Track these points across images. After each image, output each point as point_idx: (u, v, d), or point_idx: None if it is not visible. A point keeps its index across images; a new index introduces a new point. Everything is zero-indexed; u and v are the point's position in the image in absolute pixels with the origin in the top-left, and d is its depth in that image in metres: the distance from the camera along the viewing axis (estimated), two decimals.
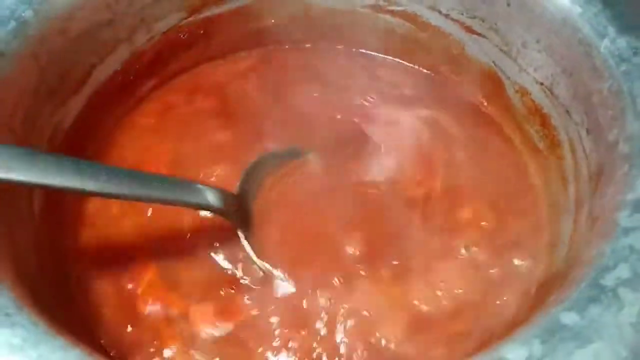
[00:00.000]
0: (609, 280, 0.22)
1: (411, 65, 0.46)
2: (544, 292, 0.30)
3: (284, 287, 0.34)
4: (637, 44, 0.30)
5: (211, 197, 0.33)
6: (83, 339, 0.24)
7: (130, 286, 0.34)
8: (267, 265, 0.34)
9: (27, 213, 0.34)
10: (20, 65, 0.33)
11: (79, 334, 0.25)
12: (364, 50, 0.47)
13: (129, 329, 0.33)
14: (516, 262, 0.35)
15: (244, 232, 0.35)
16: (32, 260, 0.32)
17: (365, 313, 0.33)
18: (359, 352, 0.32)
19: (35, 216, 0.34)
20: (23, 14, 0.33)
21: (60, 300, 0.32)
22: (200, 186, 0.33)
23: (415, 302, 0.33)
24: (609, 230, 0.24)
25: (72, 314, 0.32)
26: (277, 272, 0.34)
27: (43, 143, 0.35)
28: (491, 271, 0.35)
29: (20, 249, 0.31)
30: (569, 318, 0.21)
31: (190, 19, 0.42)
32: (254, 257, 0.34)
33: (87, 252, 0.36)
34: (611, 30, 0.31)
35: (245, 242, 0.34)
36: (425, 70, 0.46)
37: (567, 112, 0.35)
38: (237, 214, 0.35)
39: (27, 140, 0.33)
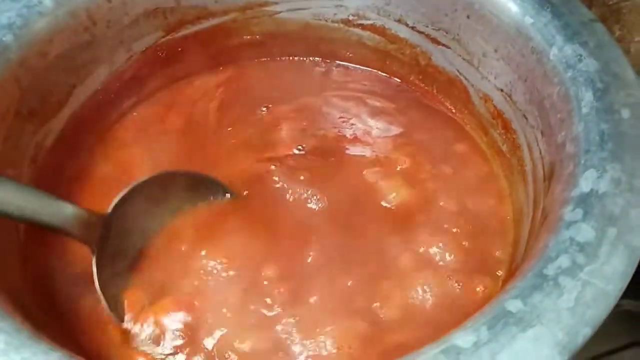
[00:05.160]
0: (550, 270, 0.24)
1: (384, 74, 0.48)
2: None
3: None
4: (581, 51, 0.32)
5: (64, 217, 0.30)
6: (67, 348, 0.26)
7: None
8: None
9: (12, 229, 0.35)
10: (2, 87, 0.34)
11: (64, 344, 0.26)
12: (338, 62, 0.48)
13: (112, 340, 0.33)
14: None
15: (98, 263, 0.32)
16: (17, 274, 0.33)
17: None
18: None
19: (20, 232, 0.35)
20: (3, 39, 0.35)
21: (45, 314, 0.33)
22: (55, 201, 0.30)
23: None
24: (555, 224, 0.26)
25: (57, 327, 0.33)
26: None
27: (25, 162, 0.36)
28: (459, 270, 0.36)
29: (6, 263, 0.32)
30: (514, 305, 0.23)
31: (168, 37, 0.44)
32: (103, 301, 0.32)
33: (72, 266, 0.36)
34: (559, 39, 0.33)
35: (95, 277, 0.32)
36: (397, 80, 0.48)
37: (524, 116, 0.37)
38: (100, 242, 0.32)
39: (9, 159, 0.34)
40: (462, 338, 0.22)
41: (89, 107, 0.41)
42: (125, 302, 0.33)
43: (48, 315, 0.32)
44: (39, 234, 0.36)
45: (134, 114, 0.45)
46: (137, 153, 0.42)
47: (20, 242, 0.35)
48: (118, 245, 0.33)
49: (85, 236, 0.31)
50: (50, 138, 0.39)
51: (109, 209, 0.33)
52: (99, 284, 0.32)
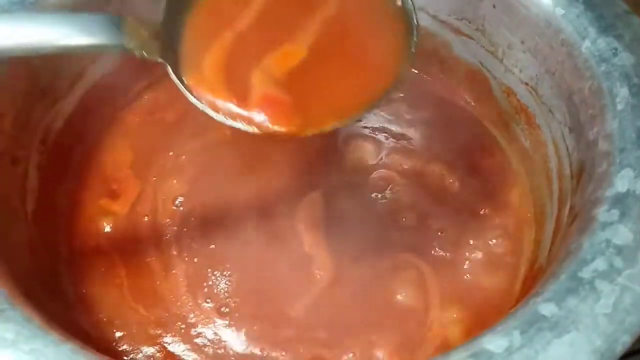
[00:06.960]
0: (586, 273, 0.23)
1: None
2: (527, 287, 0.31)
3: None
4: (616, 44, 0.31)
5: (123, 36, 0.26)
6: (76, 336, 0.25)
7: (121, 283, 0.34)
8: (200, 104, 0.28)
9: (20, 213, 0.34)
10: (12, 67, 0.33)
11: (72, 332, 0.25)
12: None
13: (121, 328, 0.33)
14: (503, 259, 0.36)
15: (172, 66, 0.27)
16: (26, 259, 0.32)
17: None
18: None
19: (29, 216, 0.35)
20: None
21: (53, 300, 0.32)
22: (96, 16, 0.26)
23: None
24: (588, 225, 0.25)
25: (65, 313, 0.33)
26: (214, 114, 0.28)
27: (34, 144, 0.35)
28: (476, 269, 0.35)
29: (14, 248, 0.31)
30: (548, 309, 0.22)
31: None
32: (189, 95, 0.27)
33: (80, 252, 0.36)
34: (592, 31, 0.32)
35: (173, 76, 0.28)
36: (415, 71, 0.46)
37: (550, 111, 0.36)
38: (164, 48, 0.27)
39: (18, 141, 0.33)
40: (494, 342, 0.21)
41: (100, 89, 0.40)
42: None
43: (57, 304, 0.31)
44: (47, 215, 0.35)
45: (145, 97, 0.43)
46: (140, 141, 0.41)
47: (28, 222, 0.34)
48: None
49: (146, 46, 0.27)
50: (60, 120, 0.38)
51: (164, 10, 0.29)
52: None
